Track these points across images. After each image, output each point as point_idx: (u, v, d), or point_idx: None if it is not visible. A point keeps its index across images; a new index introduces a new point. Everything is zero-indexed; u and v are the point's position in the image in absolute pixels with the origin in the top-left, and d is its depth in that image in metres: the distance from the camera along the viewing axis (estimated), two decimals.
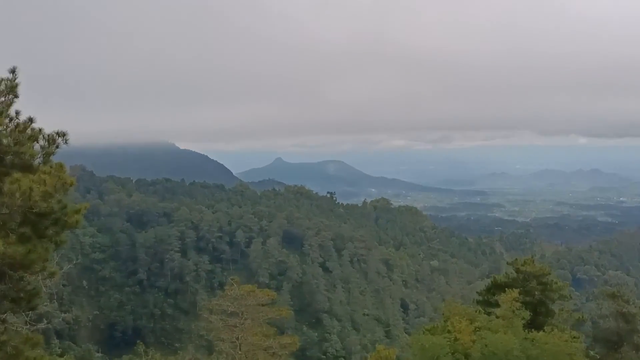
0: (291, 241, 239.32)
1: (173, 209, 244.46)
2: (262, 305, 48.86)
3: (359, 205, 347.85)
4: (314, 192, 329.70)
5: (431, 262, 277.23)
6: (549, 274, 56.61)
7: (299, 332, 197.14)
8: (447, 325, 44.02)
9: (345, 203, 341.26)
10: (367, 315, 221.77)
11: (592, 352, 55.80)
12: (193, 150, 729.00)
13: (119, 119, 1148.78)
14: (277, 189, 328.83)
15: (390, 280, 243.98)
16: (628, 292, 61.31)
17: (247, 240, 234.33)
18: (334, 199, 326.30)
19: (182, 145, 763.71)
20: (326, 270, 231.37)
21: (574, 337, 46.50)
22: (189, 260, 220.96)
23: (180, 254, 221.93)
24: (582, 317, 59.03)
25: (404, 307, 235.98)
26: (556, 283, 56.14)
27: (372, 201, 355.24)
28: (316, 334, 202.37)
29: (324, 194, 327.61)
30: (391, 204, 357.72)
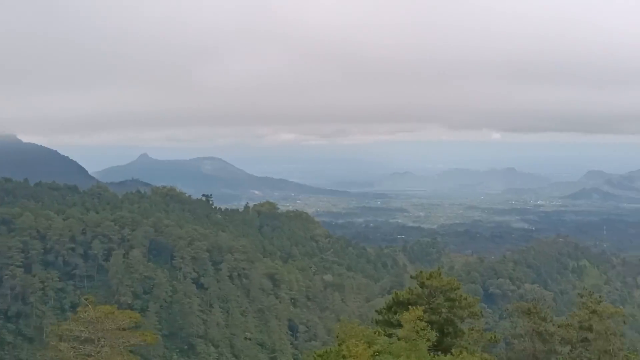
0: (159, 253, 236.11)
1: (14, 214, 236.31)
2: (123, 329, 48.01)
3: (240, 210, 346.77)
4: (186, 194, 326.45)
5: (324, 277, 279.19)
6: (458, 288, 57.98)
7: None
8: (342, 350, 44.40)
9: (223, 208, 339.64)
10: (249, 339, 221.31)
11: None
12: (39, 144, 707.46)
13: None
14: (143, 191, 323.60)
15: (277, 298, 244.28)
16: (545, 308, 63.61)
17: (105, 252, 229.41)
18: (211, 202, 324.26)
19: (26, 139, 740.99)
20: (201, 287, 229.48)
21: None
22: (34, 276, 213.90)
23: (23, 269, 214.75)
24: (495, 337, 60.71)
25: (293, 329, 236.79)
26: (466, 299, 57.55)
27: (255, 205, 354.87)
28: None
29: (199, 197, 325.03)
30: (278, 208, 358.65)
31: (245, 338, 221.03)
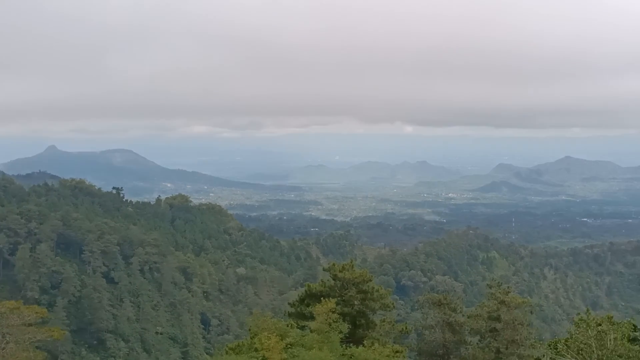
0: (68, 247, 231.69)
1: None
2: (29, 325, 47.04)
3: (152, 203, 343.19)
4: (96, 187, 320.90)
5: (237, 270, 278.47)
6: (370, 280, 58.51)
7: (77, 357, 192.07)
8: (255, 343, 44.38)
9: (134, 201, 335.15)
10: (161, 333, 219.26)
11: None
12: None
13: None
14: (50, 184, 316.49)
15: (189, 291, 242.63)
16: (455, 300, 64.87)
17: (11, 246, 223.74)
18: (121, 195, 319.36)
19: None
20: (111, 281, 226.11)
21: (397, 352, 48.55)
22: None
23: None
24: (406, 328, 61.53)
25: (205, 322, 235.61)
26: (378, 291, 58.11)
27: (167, 198, 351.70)
28: (98, 358, 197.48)
29: (109, 190, 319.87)
30: (190, 201, 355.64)
31: (157, 332, 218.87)
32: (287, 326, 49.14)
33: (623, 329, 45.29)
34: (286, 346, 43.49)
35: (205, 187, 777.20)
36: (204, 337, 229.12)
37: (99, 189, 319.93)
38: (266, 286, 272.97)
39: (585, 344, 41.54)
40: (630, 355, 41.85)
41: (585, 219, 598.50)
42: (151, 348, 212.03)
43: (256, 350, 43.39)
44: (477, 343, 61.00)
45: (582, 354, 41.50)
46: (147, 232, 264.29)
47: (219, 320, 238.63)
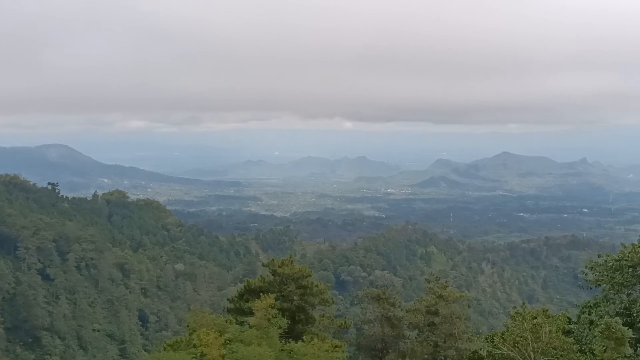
0: (2, 244, 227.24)
1: None
2: None
3: (88, 199, 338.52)
4: (31, 182, 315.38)
5: (176, 266, 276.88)
6: (310, 276, 58.80)
7: (11, 355, 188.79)
8: (193, 339, 44.22)
9: (71, 196, 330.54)
10: (98, 330, 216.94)
11: None
12: None
13: None
14: None
15: (127, 288, 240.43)
16: (394, 294, 65.41)
17: None
18: (57, 191, 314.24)
19: None
20: (47, 278, 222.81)
21: (336, 346, 48.80)
22: None
23: None
24: (345, 323, 61.97)
25: (143, 319, 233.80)
26: (317, 286, 58.45)
27: (104, 194, 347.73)
28: (33, 356, 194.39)
29: (44, 185, 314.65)
30: (128, 197, 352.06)
31: (94, 330, 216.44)
32: (226, 322, 49.07)
33: (558, 321, 46.11)
34: (225, 342, 43.44)
35: (143, 183, 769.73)
36: (141, 334, 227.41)
37: (34, 184, 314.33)
38: (205, 282, 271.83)
39: (521, 336, 42.26)
40: (565, 347, 42.67)
41: (522, 214, 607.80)
42: (88, 345, 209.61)
43: (194, 346, 43.24)
44: (415, 337, 61.52)
45: (517, 347, 42.20)
46: (84, 228, 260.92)
47: (157, 317, 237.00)
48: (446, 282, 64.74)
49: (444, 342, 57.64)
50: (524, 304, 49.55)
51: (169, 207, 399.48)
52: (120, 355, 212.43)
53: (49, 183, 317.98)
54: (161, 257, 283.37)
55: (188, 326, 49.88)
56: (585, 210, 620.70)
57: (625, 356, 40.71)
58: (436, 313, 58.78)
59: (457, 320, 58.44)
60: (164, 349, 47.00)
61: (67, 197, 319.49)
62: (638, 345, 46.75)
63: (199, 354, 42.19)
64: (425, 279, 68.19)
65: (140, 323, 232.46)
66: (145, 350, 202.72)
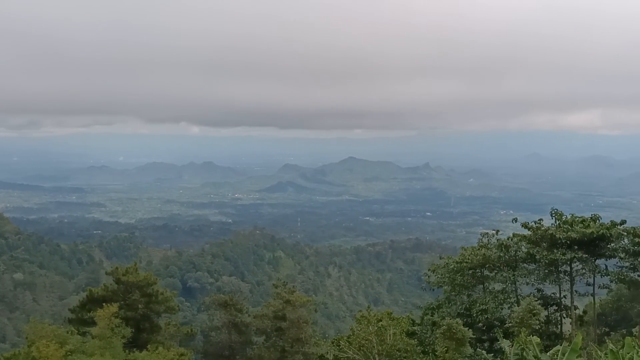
0: None
1: None
2: None
3: None
4: None
5: (14, 275, 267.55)
6: (155, 283, 58.14)
7: None
8: (32, 351, 42.79)
9: None
10: None
11: None
12: None
13: None
14: None
15: None
16: (242, 300, 65.73)
17: None
18: None
19: None
20: None
21: (182, 354, 48.41)
22: None
23: None
24: (192, 330, 61.67)
25: None
26: (162, 294, 57.84)
27: None
28: None
29: None
30: None
31: None
32: (67, 333, 47.88)
33: (402, 324, 47.35)
34: (66, 353, 42.26)
35: None
36: None
37: None
38: (46, 291, 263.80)
39: (366, 339, 43.13)
40: (408, 349, 43.89)
41: (368, 218, 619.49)
42: None
43: (34, 359, 41.86)
44: (263, 343, 61.88)
45: (363, 350, 43.04)
46: None
47: None
48: (293, 286, 65.49)
49: (292, 347, 58.18)
50: (369, 307, 50.62)
51: (6, 215, 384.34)
52: None
53: None
54: None
55: (27, 338, 48.34)
56: (429, 213, 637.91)
57: (465, 356, 42.16)
58: (283, 318, 59.25)
59: (304, 324, 59.15)
60: None
61: None
62: (478, 345, 48.63)
63: None
64: (273, 284, 68.61)
65: None
66: None
